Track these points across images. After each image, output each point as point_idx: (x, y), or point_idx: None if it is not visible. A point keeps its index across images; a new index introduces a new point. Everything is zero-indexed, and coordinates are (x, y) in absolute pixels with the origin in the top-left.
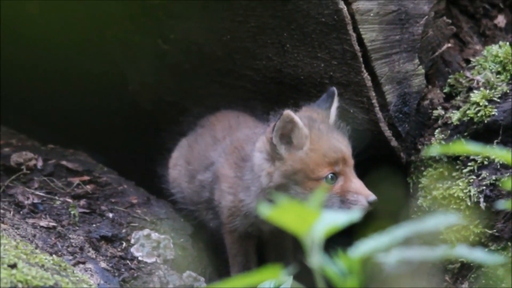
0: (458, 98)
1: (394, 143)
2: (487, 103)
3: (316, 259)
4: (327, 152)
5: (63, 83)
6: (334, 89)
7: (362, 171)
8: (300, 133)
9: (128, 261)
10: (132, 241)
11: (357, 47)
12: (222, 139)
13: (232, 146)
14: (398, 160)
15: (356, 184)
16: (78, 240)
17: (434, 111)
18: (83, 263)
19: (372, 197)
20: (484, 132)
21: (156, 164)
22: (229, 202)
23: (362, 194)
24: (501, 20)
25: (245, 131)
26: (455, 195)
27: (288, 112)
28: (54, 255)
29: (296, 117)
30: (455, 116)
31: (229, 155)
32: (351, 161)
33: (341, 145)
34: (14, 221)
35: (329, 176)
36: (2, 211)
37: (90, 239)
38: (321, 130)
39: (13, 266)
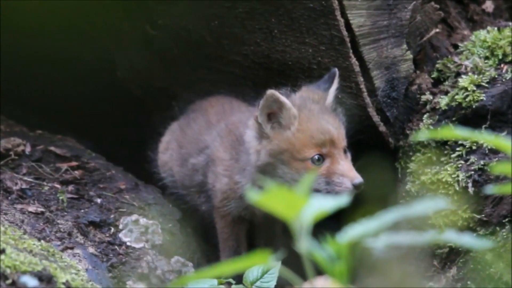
0: (446, 83)
1: (382, 128)
2: (475, 88)
3: (305, 244)
4: (315, 133)
5: (52, 69)
6: (336, 70)
7: (351, 156)
8: (288, 113)
9: (116, 247)
10: (120, 226)
11: (345, 33)
12: (216, 123)
13: (227, 129)
14: (387, 145)
15: (343, 166)
16: (66, 225)
17: (422, 96)
18: (71, 248)
19: (358, 179)
20: (472, 117)
21: (146, 149)
22: (224, 185)
23: (348, 177)
24: (489, 5)
25: (239, 115)
26: (444, 180)
27: (271, 91)
28: (42, 241)
29: (282, 97)
30: (443, 101)
31: (224, 138)
32: (340, 143)
33: (330, 127)
34: (2, 207)
35: (315, 157)
36: None
37: (78, 225)
38: (311, 110)
39: (2, 251)
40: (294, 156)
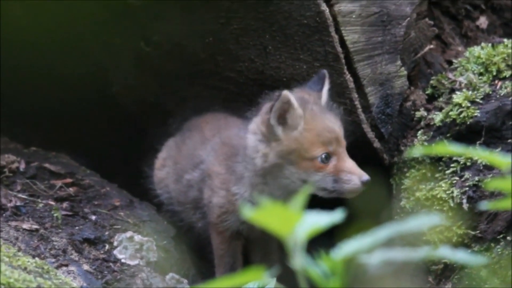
0: (441, 99)
1: (376, 144)
2: (469, 104)
3: (299, 261)
4: (321, 132)
5: (46, 85)
6: (325, 71)
7: None
8: (295, 114)
9: (111, 264)
10: (115, 243)
11: (339, 49)
12: (211, 138)
13: (221, 143)
14: (381, 162)
15: (349, 163)
16: (61, 242)
17: (417, 113)
18: (66, 265)
19: (366, 177)
20: (466, 133)
21: (141, 165)
22: (221, 198)
23: (356, 174)
24: (483, 22)
25: (234, 130)
26: (438, 196)
27: (286, 92)
28: (36, 258)
29: (292, 97)
30: (437, 118)
31: (218, 151)
32: (343, 142)
33: (334, 126)
34: None
35: (323, 156)
36: None
37: (73, 242)
38: (314, 110)
39: None
40: (302, 155)
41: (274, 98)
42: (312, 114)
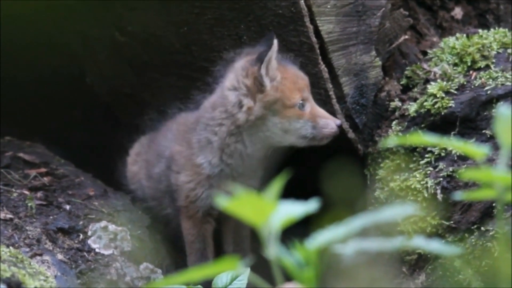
0: (415, 90)
1: (351, 134)
2: (444, 95)
3: (273, 250)
4: (295, 79)
5: (21, 75)
6: (273, 32)
7: (320, 162)
8: (274, 64)
9: (85, 253)
10: (89, 233)
11: (314, 39)
12: (170, 125)
13: (176, 125)
14: (356, 152)
15: (321, 109)
16: (35, 232)
17: (391, 103)
18: (40, 255)
19: (339, 121)
20: (441, 124)
21: (114, 156)
22: (188, 175)
23: (330, 119)
24: (458, 12)
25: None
26: (412, 186)
27: (276, 40)
28: (11, 247)
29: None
30: (412, 108)
31: (176, 133)
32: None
33: (301, 73)
34: None
35: (301, 102)
36: None
37: (47, 231)
38: (280, 61)
39: None
40: (285, 104)
41: (264, 46)
42: (280, 64)
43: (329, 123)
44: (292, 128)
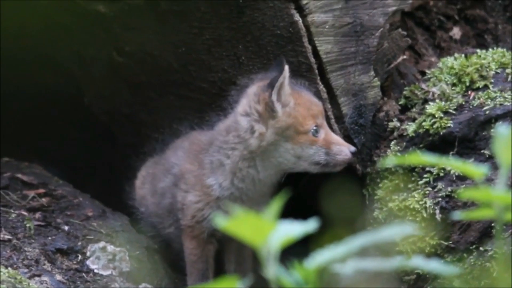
0: (414, 110)
1: None
2: (442, 115)
3: (272, 270)
4: (309, 105)
5: (18, 95)
6: (282, 57)
7: (319, 182)
8: (286, 89)
9: (83, 274)
10: (88, 253)
11: (312, 59)
12: (181, 144)
13: (189, 143)
14: (354, 172)
15: (335, 136)
16: (33, 252)
17: (390, 123)
18: (39, 275)
19: (353, 148)
20: (439, 144)
21: (113, 176)
22: (196, 195)
23: (344, 145)
24: (456, 32)
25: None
26: (411, 206)
27: (287, 66)
28: (9, 268)
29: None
30: (410, 128)
31: (188, 151)
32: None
33: (316, 99)
34: None
35: (314, 128)
36: None
37: (45, 252)
38: (293, 87)
39: None
40: (297, 130)
41: (274, 73)
42: (294, 90)
43: (343, 150)
44: (305, 154)
